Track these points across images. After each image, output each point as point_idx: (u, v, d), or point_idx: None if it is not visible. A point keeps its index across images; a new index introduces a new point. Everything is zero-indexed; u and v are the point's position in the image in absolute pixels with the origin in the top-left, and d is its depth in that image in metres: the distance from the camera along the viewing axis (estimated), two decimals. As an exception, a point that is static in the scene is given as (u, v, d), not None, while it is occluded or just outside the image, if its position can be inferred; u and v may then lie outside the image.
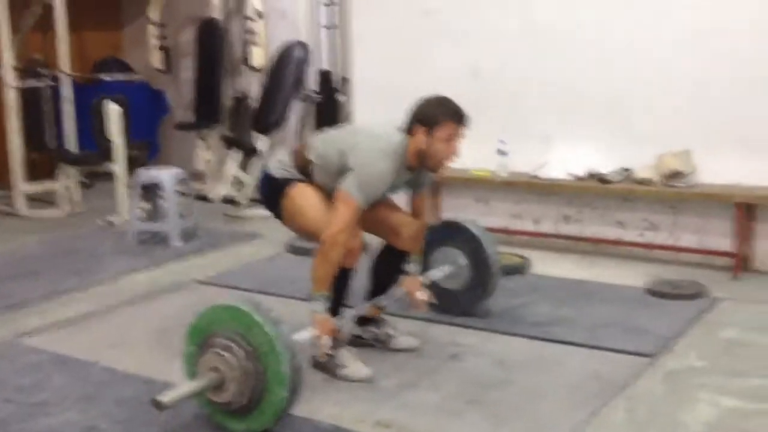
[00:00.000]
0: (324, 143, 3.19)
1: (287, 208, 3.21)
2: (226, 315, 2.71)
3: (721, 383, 3.02)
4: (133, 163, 6.51)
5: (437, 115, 3.05)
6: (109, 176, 6.33)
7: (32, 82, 6.55)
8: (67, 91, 6.74)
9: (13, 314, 4.07)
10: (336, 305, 3.15)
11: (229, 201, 6.09)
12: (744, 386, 2.99)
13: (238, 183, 6.27)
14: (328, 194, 3.10)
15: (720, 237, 4.43)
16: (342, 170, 3.03)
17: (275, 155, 3.38)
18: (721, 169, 4.43)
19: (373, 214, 3.24)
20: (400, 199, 3.39)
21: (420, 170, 3.20)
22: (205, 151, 7.36)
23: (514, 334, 3.56)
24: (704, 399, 2.89)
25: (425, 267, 3.66)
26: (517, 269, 4.45)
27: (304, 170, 3.21)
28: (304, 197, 3.17)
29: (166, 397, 2.53)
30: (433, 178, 3.47)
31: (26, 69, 6.63)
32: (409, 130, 3.09)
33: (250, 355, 2.63)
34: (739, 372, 3.11)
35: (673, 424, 2.71)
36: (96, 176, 7.22)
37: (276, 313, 2.69)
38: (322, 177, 3.16)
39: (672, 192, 4.44)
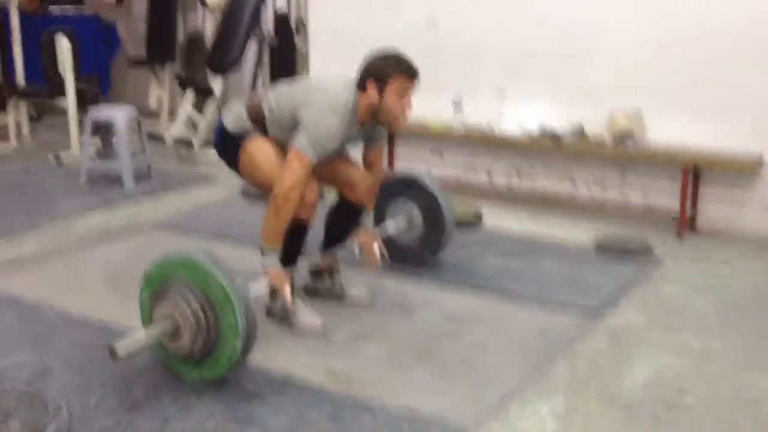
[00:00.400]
0: (277, 97, 3.19)
1: (243, 161, 3.22)
2: (181, 264, 2.72)
3: (660, 340, 3.14)
4: (83, 97, 6.38)
5: (388, 70, 3.06)
6: (57, 110, 6.21)
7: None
8: (15, 22, 6.55)
9: (-39, 252, 4.03)
10: (292, 257, 3.18)
11: (182, 142, 6.02)
12: (681, 344, 3.11)
13: (192, 123, 6.19)
14: (283, 148, 3.10)
15: (667, 197, 4.55)
16: (294, 125, 3.04)
17: (230, 108, 3.36)
18: (671, 129, 4.51)
19: (329, 167, 3.27)
20: (356, 152, 3.41)
21: (373, 125, 3.22)
22: (159, 89, 7.25)
23: (465, 287, 3.64)
24: (644, 356, 3.01)
25: (379, 219, 3.70)
26: (470, 222, 4.52)
27: (259, 123, 3.21)
28: (259, 150, 3.17)
29: (121, 349, 2.55)
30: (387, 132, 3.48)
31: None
32: (361, 86, 3.09)
33: (205, 305, 2.65)
34: (677, 329, 3.24)
35: (614, 380, 2.83)
36: (44, 110, 7.08)
37: (230, 263, 2.71)
38: (276, 131, 3.16)
39: (621, 152, 4.52)
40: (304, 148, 2.97)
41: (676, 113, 4.50)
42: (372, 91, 3.06)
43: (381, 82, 3.05)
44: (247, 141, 3.20)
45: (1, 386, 2.70)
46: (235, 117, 3.27)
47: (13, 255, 4.00)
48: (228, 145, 3.26)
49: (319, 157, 3.01)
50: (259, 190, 3.31)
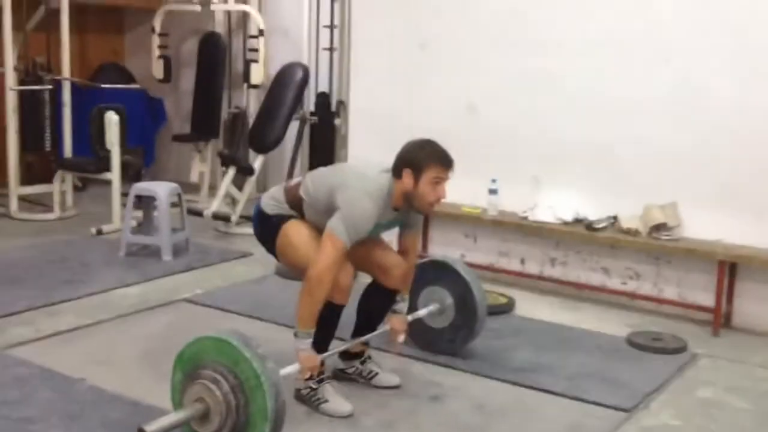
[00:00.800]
0: (314, 181, 3.27)
1: (280, 243, 3.28)
2: (215, 346, 2.76)
3: (693, 443, 3.10)
4: (127, 169, 6.56)
5: (424, 159, 3.13)
6: (101, 180, 6.39)
7: (33, 86, 6.58)
8: (66, 96, 6.79)
9: (1, 323, 4.09)
10: (325, 341, 3.21)
11: (221, 217, 6.13)
12: (716, 448, 3.07)
13: (232, 200, 6.31)
14: (319, 231, 3.16)
15: (702, 291, 4.51)
16: (330, 208, 3.11)
17: (269, 192, 3.45)
18: (707, 224, 4.51)
19: (363, 252, 3.32)
20: (391, 236, 3.46)
21: (407, 211, 3.28)
22: (200, 164, 7.43)
23: (496, 378, 3.62)
24: (676, 459, 2.96)
25: (410, 303, 3.72)
26: (502, 310, 4.52)
27: (296, 207, 3.28)
28: (296, 233, 3.24)
29: (150, 427, 2.58)
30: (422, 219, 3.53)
31: (27, 72, 6.66)
32: (397, 173, 3.16)
33: (237, 388, 2.68)
34: (712, 433, 3.19)
35: (645, 483, 2.78)
36: (89, 179, 7.27)
37: (262, 345, 2.74)
38: (312, 214, 3.23)
39: (656, 244, 4.52)
40: (338, 231, 3.02)
41: (712, 207, 4.50)
42: (408, 179, 3.13)
43: (417, 171, 3.12)
44: (284, 223, 3.27)
45: (33, 463, 2.74)
46: (273, 200, 3.35)
47: (52, 328, 4.07)
48: (266, 228, 3.34)
49: (352, 240, 3.06)
50: (296, 272, 3.35)
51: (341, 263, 3.07)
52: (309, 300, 3.02)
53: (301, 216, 3.29)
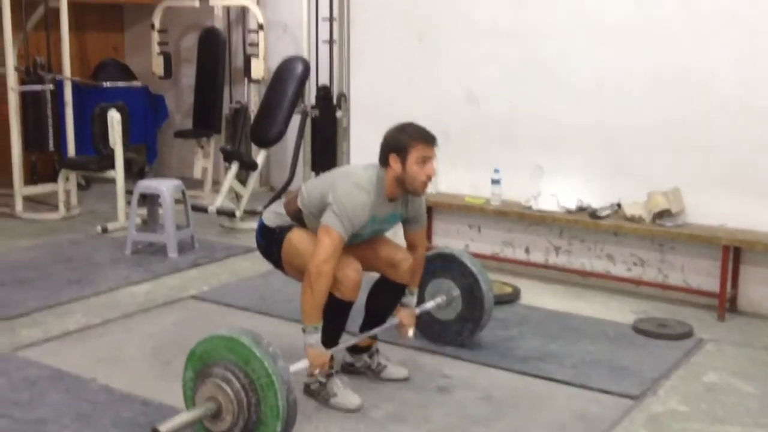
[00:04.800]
0: (308, 190, 3.31)
1: (285, 253, 3.31)
2: (226, 345, 2.79)
3: (701, 430, 3.11)
4: (131, 166, 6.59)
5: (406, 140, 3.17)
6: (105, 178, 6.41)
7: (34, 85, 6.59)
8: (68, 95, 6.81)
9: (10, 324, 4.13)
10: (334, 337, 3.23)
11: (225, 213, 6.15)
12: (723, 433, 3.09)
13: (236, 195, 6.33)
14: None
15: (707, 276, 4.53)
16: (324, 210, 3.14)
17: (269, 208, 3.48)
18: (710, 209, 4.53)
19: (370, 251, 3.35)
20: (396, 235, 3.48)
21: (405, 200, 3.30)
22: (203, 160, 7.44)
23: (503, 368, 3.64)
24: (685, 445, 2.98)
25: (417, 295, 3.73)
26: (508, 299, 4.54)
27: (297, 218, 3.32)
28: (300, 240, 3.27)
29: (164, 427, 2.60)
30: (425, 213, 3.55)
31: (28, 71, 6.67)
32: (383, 161, 3.21)
33: (248, 387, 2.71)
34: (720, 419, 3.21)
35: (654, 469, 2.80)
36: (93, 177, 7.29)
37: (272, 342, 2.76)
38: (312, 221, 3.25)
39: (660, 230, 4.53)
40: (331, 223, 3.06)
41: (716, 192, 4.51)
42: (395, 163, 3.17)
43: (402, 153, 3.16)
44: (287, 233, 3.30)
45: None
46: (274, 214, 3.39)
47: (60, 328, 4.10)
48: (269, 240, 3.36)
49: (348, 231, 3.08)
50: (303, 279, 3.35)
51: (339, 254, 3.09)
52: (310, 294, 3.05)
53: (303, 226, 3.31)
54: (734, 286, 4.49)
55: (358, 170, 3.27)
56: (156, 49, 7.63)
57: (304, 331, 3.09)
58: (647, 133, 4.68)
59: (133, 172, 7.32)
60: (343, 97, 6.87)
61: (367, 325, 3.49)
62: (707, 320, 4.33)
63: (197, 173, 7.47)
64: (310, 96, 6.74)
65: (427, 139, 3.20)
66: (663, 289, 4.69)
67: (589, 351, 3.85)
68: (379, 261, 3.40)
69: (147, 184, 5.59)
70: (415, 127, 3.23)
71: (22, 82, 6.63)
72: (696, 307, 4.51)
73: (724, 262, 4.38)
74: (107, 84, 7.73)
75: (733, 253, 4.42)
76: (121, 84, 7.92)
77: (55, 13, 6.68)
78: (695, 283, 4.59)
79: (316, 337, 3.08)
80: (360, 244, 3.31)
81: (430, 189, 5.21)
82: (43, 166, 7.51)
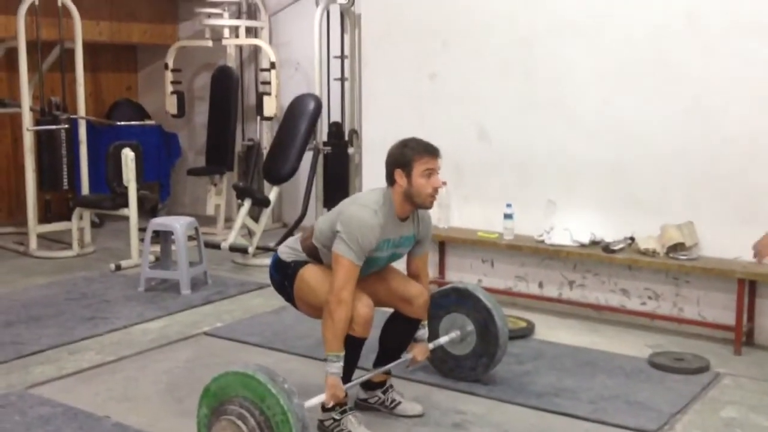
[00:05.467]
0: (319, 225, 3.33)
1: (298, 288, 3.32)
2: (241, 381, 2.78)
3: (721, 465, 3.08)
4: (144, 204, 6.63)
5: (409, 155, 3.20)
6: (118, 216, 6.45)
7: (49, 125, 6.67)
8: (83, 135, 6.89)
9: (24, 362, 4.14)
10: (347, 373, 3.21)
11: (238, 249, 6.17)
12: (744, 469, 3.04)
13: (248, 231, 6.35)
14: None
15: (722, 310, 4.49)
16: (334, 240, 3.15)
17: (286, 243, 3.49)
18: (725, 242, 4.50)
19: (383, 287, 3.37)
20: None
21: (416, 219, 3.31)
22: (216, 197, 7.49)
23: (519, 404, 3.61)
24: (704, 481, 2.94)
25: (432, 330, 3.72)
26: (522, 334, 4.52)
27: (313, 255, 3.33)
28: (313, 276, 3.28)
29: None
30: (432, 240, 3.54)
31: (43, 111, 6.76)
32: (390, 180, 3.23)
33: (263, 424, 2.69)
34: (739, 454, 3.17)
35: (674, 506, 2.76)
36: (106, 215, 7.33)
37: (289, 383, 2.75)
38: (327, 257, 3.25)
39: (675, 264, 4.51)
40: (341, 251, 3.08)
41: (729, 225, 4.49)
42: (400, 179, 3.19)
43: (406, 167, 3.18)
44: (301, 269, 3.31)
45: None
46: (289, 249, 3.40)
47: (74, 366, 4.10)
48: (283, 275, 3.38)
49: (359, 256, 3.09)
50: (315, 316, 3.35)
51: (355, 280, 3.09)
52: (331, 322, 3.05)
53: (319, 262, 3.32)
54: (750, 320, 4.45)
55: (363, 194, 3.33)
56: (169, 88, 7.71)
57: (325, 360, 3.08)
58: (660, 166, 4.69)
59: (146, 210, 7.36)
60: (355, 133, 6.92)
61: (380, 360, 3.48)
62: (724, 354, 4.29)
63: (210, 210, 7.51)
64: (322, 133, 6.78)
65: (430, 151, 3.22)
66: (678, 322, 4.66)
67: (605, 386, 3.82)
68: (394, 296, 3.40)
69: (160, 222, 5.63)
70: (418, 141, 3.26)
71: (38, 122, 6.71)
72: (712, 340, 4.48)
73: (739, 295, 4.35)
74: (121, 123, 7.81)
75: (749, 286, 4.39)
76: (135, 123, 8.00)
77: (71, 54, 6.78)
78: (711, 316, 4.56)
79: (337, 366, 3.07)
80: (373, 278, 3.32)
81: (442, 224, 5.31)
82: (57, 205, 7.57)
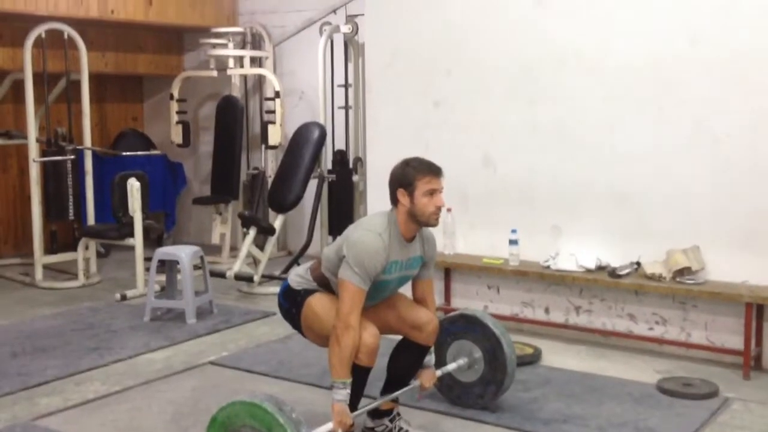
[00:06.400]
0: (326, 253, 3.34)
1: (305, 316, 3.32)
2: (248, 411, 2.78)
3: (732, 491, 3.05)
4: (149, 234, 6.64)
5: (411, 174, 3.21)
6: (124, 245, 6.46)
7: (55, 156, 6.70)
8: (88, 165, 6.92)
9: (29, 393, 4.12)
10: (354, 402, 3.20)
11: (243, 278, 6.17)
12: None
13: (254, 260, 6.36)
14: None
15: (730, 334, 4.47)
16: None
17: (295, 270, 3.49)
18: (731, 266, 4.49)
19: (393, 315, 3.37)
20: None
21: (422, 239, 3.31)
22: (221, 226, 7.50)
23: (527, 431, 3.59)
24: (716, 508, 2.91)
25: (439, 357, 3.71)
26: (529, 360, 4.50)
27: (323, 284, 3.33)
28: (320, 304, 3.28)
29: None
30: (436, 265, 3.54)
31: (49, 143, 6.80)
32: (393, 201, 3.24)
33: (270, 453, 2.68)
34: (750, 480, 3.14)
35: None
36: (112, 245, 7.34)
37: (297, 412, 2.74)
38: (336, 285, 3.24)
39: (682, 288, 4.50)
40: (347, 276, 3.09)
41: (736, 249, 4.48)
42: (403, 199, 3.20)
43: (409, 187, 3.19)
44: (309, 297, 3.31)
45: None
46: (299, 277, 3.40)
47: (79, 397, 4.09)
48: (292, 303, 3.38)
49: (365, 281, 3.09)
50: (322, 344, 3.34)
51: (361, 305, 3.09)
52: (338, 348, 3.04)
53: (330, 291, 3.32)
54: (758, 344, 4.43)
55: (368, 218, 3.34)
56: (175, 118, 7.75)
57: (332, 387, 3.07)
58: (664, 191, 4.69)
59: (152, 239, 7.37)
60: (359, 161, 6.94)
61: (388, 387, 3.47)
62: (732, 379, 4.26)
63: (215, 239, 7.52)
64: (327, 161, 6.81)
65: (433, 170, 3.23)
66: (686, 347, 4.64)
67: (614, 412, 3.79)
68: (403, 324, 3.39)
69: (166, 251, 5.63)
70: (420, 160, 3.26)
71: (44, 153, 6.74)
72: (720, 365, 4.45)
73: (747, 319, 4.33)
74: (127, 153, 7.85)
75: (757, 310, 4.37)
76: (140, 153, 8.03)
77: (77, 85, 6.83)
78: (719, 341, 4.54)
79: (344, 393, 3.05)
80: (382, 306, 3.32)
81: (448, 250, 5.30)
82: (62, 235, 7.59)
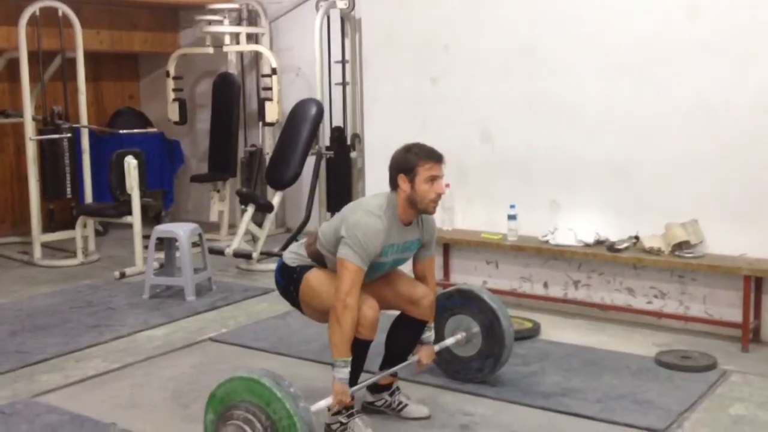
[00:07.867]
0: (323, 231, 3.33)
1: (303, 293, 3.32)
2: (246, 386, 2.78)
3: (730, 462, 3.06)
4: (147, 212, 6.63)
5: (413, 160, 3.19)
6: (122, 224, 6.46)
7: (52, 135, 6.68)
8: (85, 143, 6.90)
9: (30, 371, 4.13)
10: (354, 376, 3.21)
11: (242, 255, 6.17)
12: (753, 466, 3.03)
13: (252, 237, 6.35)
14: None
15: (729, 307, 4.48)
16: (338, 245, 3.15)
17: (290, 248, 3.49)
18: (730, 239, 4.49)
19: (389, 290, 3.36)
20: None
21: (420, 223, 3.31)
22: (219, 203, 7.49)
23: (526, 405, 3.60)
24: (714, 479, 2.92)
25: (437, 332, 3.71)
26: (528, 335, 4.51)
27: (318, 260, 3.33)
28: (318, 280, 3.28)
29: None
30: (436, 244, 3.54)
31: (46, 121, 6.77)
32: (393, 184, 3.22)
33: (269, 428, 2.69)
34: (748, 451, 3.16)
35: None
36: (110, 223, 7.34)
37: (295, 387, 2.75)
38: (332, 262, 3.25)
39: (680, 262, 4.50)
40: (346, 255, 3.08)
41: (734, 222, 4.48)
42: (404, 184, 3.19)
43: (410, 173, 3.17)
44: (306, 273, 3.31)
45: None
46: (294, 254, 3.40)
47: (79, 374, 4.10)
48: (288, 279, 3.38)
49: (364, 261, 3.09)
50: (322, 319, 3.35)
51: (360, 285, 3.09)
52: (338, 327, 3.05)
53: (324, 267, 3.32)
54: (757, 317, 4.44)
55: (367, 199, 3.33)
56: (171, 95, 7.72)
57: (333, 365, 3.08)
58: (663, 164, 4.68)
59: (150, 218, 7.36)
60: (357, 137, 6.92)
61: (387, 363, 3.47)
62: (731, 351, 4.27)
63: (213, 216, 7.51)
64: (325, 137, 6.78)
65: (434, 157, 3.22)
66: (684, 321, 4.65)
67: (612, 385, 3.81)
68: (400, 298, 3.39)
69: (164, 229, 5.63)
70: (422, 146, 3.25)
71: (40, 131, 6.71)
72: (718, 338, 4.46)
73: (746, 292, 4.34)
74: (124, 131, 7.82)
75: (755, 283, 4.38)
76: (137, 131, 8.00)
77: (72, 63, 6.79)
78: (717, 314, 4.55)
79: (345, 371, 3.06)
80: (379, 281, 3.32)
81: (446, 226, 5.30)
82: (60, 214, 7.56)
